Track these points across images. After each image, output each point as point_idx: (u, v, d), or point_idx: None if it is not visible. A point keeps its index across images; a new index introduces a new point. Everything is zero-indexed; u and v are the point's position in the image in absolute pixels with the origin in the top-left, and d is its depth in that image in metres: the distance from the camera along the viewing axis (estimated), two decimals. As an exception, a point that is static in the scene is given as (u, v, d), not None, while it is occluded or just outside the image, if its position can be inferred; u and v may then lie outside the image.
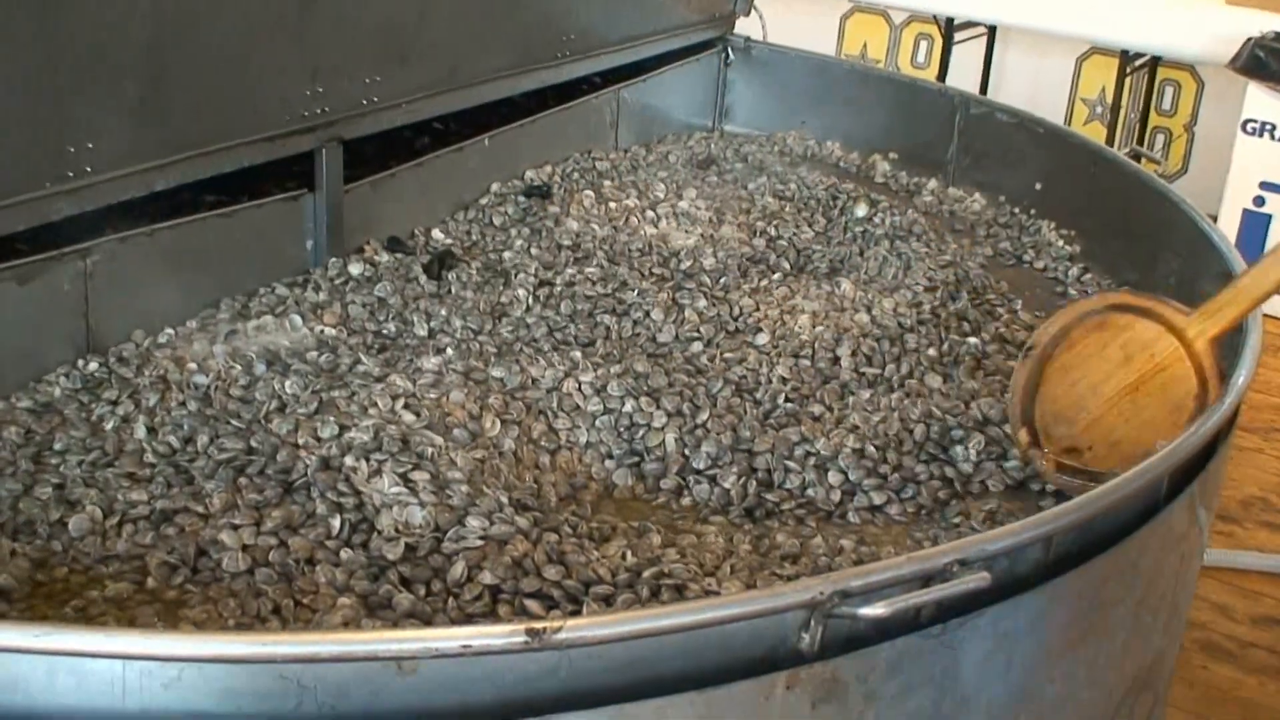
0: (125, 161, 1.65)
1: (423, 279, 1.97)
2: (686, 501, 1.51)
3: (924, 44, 4.93)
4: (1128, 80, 4.47)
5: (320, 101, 1.89)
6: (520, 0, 2.29)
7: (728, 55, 2.87)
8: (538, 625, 0.96)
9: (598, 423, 1.59)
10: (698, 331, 1.86)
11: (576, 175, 2.44)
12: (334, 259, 1.97)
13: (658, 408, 1.61)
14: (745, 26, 2.92)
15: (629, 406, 1.60)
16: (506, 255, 2.10)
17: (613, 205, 2.31)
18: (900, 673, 1.13)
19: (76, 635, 0.94)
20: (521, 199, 2.30)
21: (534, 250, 2.12)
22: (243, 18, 1.75)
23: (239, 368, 1.63)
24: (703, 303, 1.94)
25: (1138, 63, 4.52)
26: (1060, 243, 2.35)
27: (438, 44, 2.10)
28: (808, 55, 2.90)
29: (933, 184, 2.61)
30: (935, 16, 4.63)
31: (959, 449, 1.63)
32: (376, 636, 0.95)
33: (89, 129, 1.59)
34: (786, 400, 1.70)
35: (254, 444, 1.48)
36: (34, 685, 0.94)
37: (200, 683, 0.94)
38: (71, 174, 1.59)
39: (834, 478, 1.56)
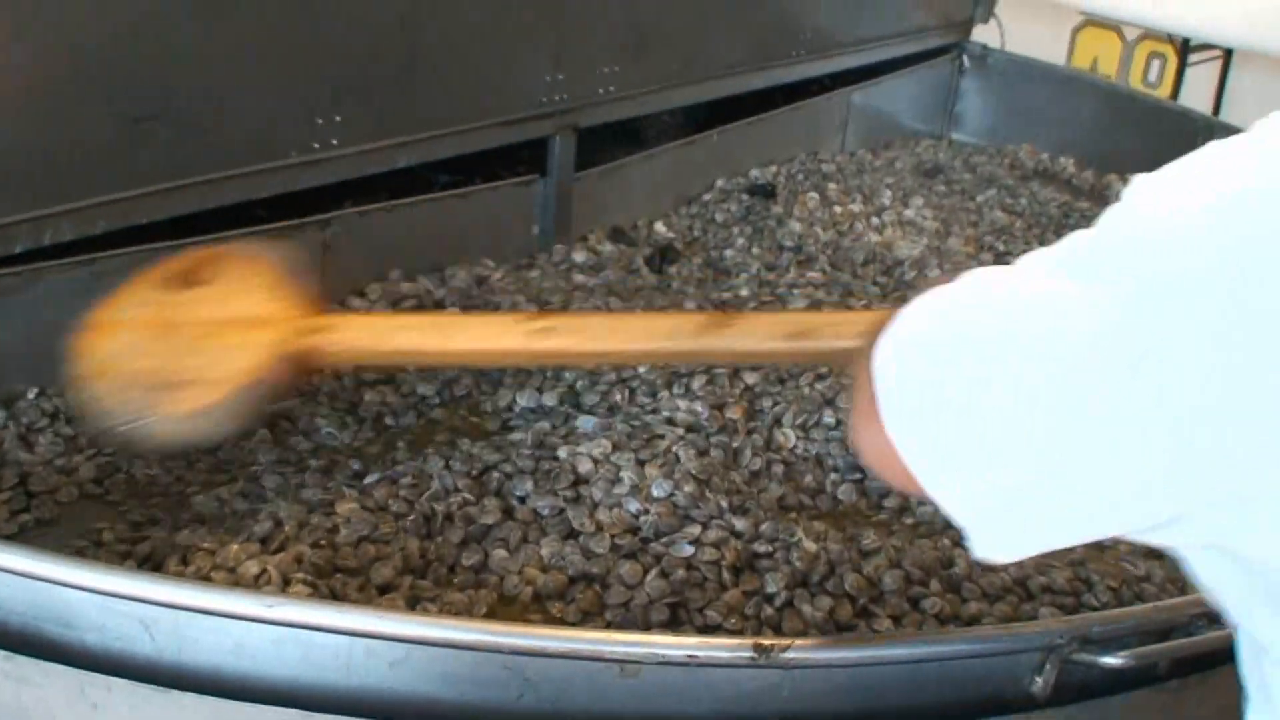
0: (370, 137, 1.67)
1: (644, 271, 1.96)
2: (909, 520, 1.47)
3: (1156, 63, 4.73)
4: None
5: (560, 89, 1.89)
6: (759, -4, 2.27)
7: (963, 62, 2.80)
8: (766, 642, 0.94)
9: (829, 435, 1.55)
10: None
11: (801, 176, 2.40)
12: (559, 245, 1.98)
13: (883, 422, 1.56)
14: (980, 34, 2.84)
15: (854, 419, 1.56)
16: (728, 253, 2.08)
17: (837, 209, 2.27)
18: (1133, 726, 1.07)
19: (306, 608, 0.95)
20: (745, 197, 2.28)
21: (755, 250, 2.10)
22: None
23: (466, 348, 1.64)
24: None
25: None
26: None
27: (675, 36, 2.09)
28: (1046, 66, 2.82)
29: (1171, 209, 2.49)
30: (1171, 36, 4.44)
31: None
32: (604, 637, 0.94)
33: (339, 102, 1.62)
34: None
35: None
36: (261, 654, 0.95)
37: (426, 665, 0.94)
38: (317, 145, 1.62)
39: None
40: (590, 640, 0.94)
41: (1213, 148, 0.68)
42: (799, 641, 0.94)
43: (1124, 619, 1.05)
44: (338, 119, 1.62)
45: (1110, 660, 1.00)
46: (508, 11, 1.79)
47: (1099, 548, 1.48)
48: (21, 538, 1.29)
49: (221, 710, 0.93)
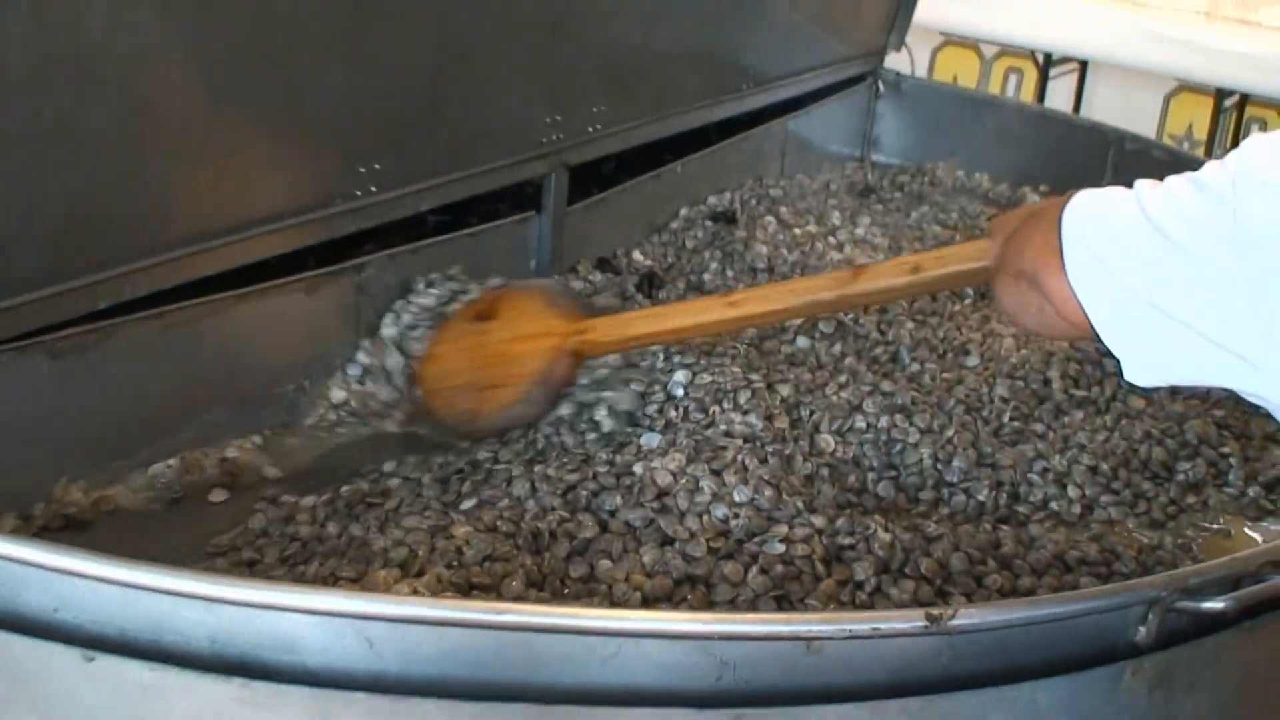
0: (402, 183, 1.75)
1: (639, 297, 2.07)
2: (945, 511, 1.61)
3: (1014, 77, 5.03)
4: (1221, 118, 4.57)
5: (556, 129, 2.00)
6: (714, 34, 2.40)
7: (878, 88, 2.98)
8: (935, 611, 1.06)
9: (862, 438, 1.69)
10: (913, 353, 1.96)
11: (754, 201, 2.54)
12: (555, 277, 2.07)
13: (910, 424, 1.70)
14: (893, 62, 3.03)
15: (884, 422, 1.70)
16: (705, 277, 2.20)
17: (796, 231, 2.41)
18: (1218, 663, 1.22)
19: (534, 613, 1.04)
20: (709, 223, 2.40)
21: (729, 272, 2.22)
22: (507, 47, 1.86)
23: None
24: (910, 325, 2.04)
25: (1227, 102, 4.61)
26: (1221, 275, 2.44)
27: (650, 73, 2.21)
28: (955, 89, 3.02)
29: (1085, 216, 2.69)
30: (1033, 53, 4.74)
31: (1183, 467, 1.73)
32: (798, 618, 1.05)
33: (378, 150, 1.70)
34: (1011, 419, 1.80)
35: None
36: (487, 659, 1.03)
37: (637, 658, 1.03)
38: (358, 193, 1.70)
39: (1073, 492, 1.66)
40: (785, 622, 1.05)
41: None
42: (964, 609, 1.06)
43: (1211, 570, 1.20)
44: (376, 166, 1.70)
45: (1212, 605, 1.15)
46: (516, 56, 1.89)
47: (1110, 524, 1.64)
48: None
49: (457, 711, 1.01)
